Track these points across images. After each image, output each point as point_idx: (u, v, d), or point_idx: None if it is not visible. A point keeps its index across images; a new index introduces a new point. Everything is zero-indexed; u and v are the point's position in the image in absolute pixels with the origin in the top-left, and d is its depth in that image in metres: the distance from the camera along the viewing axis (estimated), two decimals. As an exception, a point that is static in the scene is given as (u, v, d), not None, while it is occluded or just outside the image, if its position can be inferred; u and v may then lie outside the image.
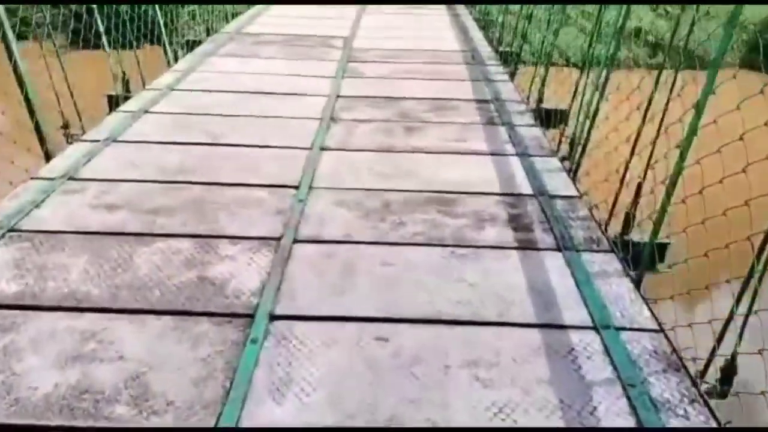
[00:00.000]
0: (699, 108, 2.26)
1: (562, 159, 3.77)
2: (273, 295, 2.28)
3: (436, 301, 2.29)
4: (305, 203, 3.00)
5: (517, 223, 2.88)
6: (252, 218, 2.85)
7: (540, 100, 4.66)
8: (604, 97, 3.28)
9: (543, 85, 4.47)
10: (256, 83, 4.89)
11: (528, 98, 4.82)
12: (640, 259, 2.70)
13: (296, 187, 3.16)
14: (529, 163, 3.54)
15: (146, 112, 4.18)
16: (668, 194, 2.36)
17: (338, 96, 4.67)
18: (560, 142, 3.94)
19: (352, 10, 8.48)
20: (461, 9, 8.94)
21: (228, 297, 2.29)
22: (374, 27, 7.39)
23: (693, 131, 2.27)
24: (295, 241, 2.67)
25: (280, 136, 3.85)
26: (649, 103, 2.80)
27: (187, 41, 6.63)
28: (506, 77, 5.32)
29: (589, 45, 3.73)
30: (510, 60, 5.99)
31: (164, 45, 5.41)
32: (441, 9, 8.87)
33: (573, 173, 3.45)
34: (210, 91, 4.68)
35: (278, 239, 2.68)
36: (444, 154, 3.67)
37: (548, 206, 3.02)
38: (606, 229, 2.98)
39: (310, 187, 3.17)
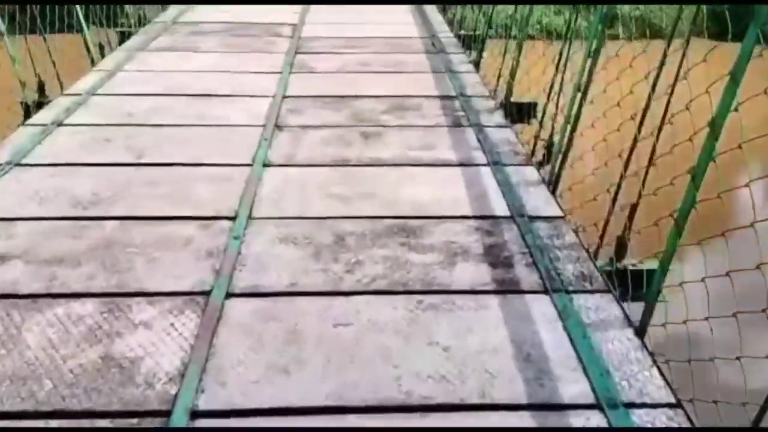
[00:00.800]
0: (715, 126, 1.84)
1: (539, 164, 3.35)
2: (196, 380, 1.80)
3: (404, 378, 1.83)
4: (242, 241, 2.50)
5: (494, 256, 2.44)
6: (176, 265, 2.35)
7: (509, 92, 4.23)
8: (587, 100, 2.85)
9: (512, 78, 4.02)
10: (192, 83, 4.33)
11: (495, 90, 4.37)
12: (638, 294, 2.31)
13: (232, 219, 2.66)
14: (503, 174, 3.09)
15: (60, 124, 3.60)
16: (679, 230, 1.94)
17: (285, 96, 4.14)
18: (535, 144, 3.51)
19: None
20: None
21: (138, 385, 1.79)
22: (326, 11, 6.82)
23: (708, 155, 1.85)
24: (229, 295, 2.18)
25: (217, 149, 3.33)
26: (647, 107, 2.38)
27: (119, 32, 6.00)
28: (471, 67, 4.85)
29: (566, 32, 3.28)
30: (474, 47, 5.54)
31: (85, 39, 4.77)
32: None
33: (553, 186, 3.02)
34: (138, 95, 4.11)
35: (207, 294, 2.18)
36: (407, 166, 3.20)
37: (529, 232, 2.59)
38: (596, 255, 2.58)
39: (249, 218, 2.67)
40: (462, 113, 3.91)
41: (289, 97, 4.15)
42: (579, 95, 2.88)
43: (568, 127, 2.94)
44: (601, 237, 2.59)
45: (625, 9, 13.38)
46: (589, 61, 2.83)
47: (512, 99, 4.14)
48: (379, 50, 5.27)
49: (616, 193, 2.53)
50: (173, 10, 6.66)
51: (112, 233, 2.54)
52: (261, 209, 2.75)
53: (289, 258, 2.41)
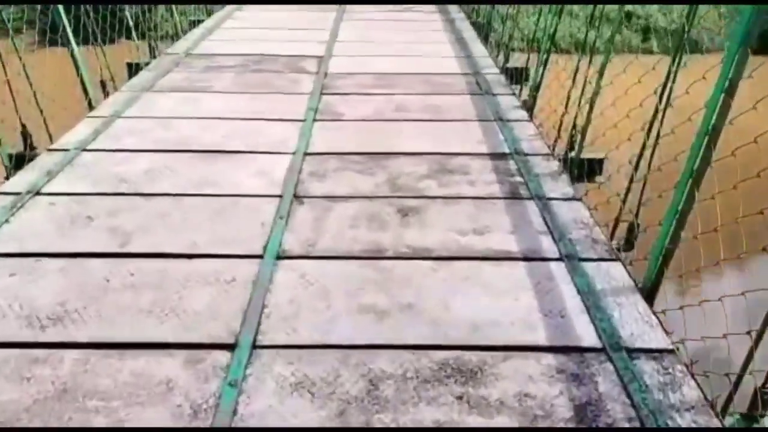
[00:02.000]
0: None
1: (623, 248, 2.67)
2: None
3: None
4: (241, 389, 1.85)
5: (589, 424, 1.75)
6: (148, 436, 1.70)
7: (573, 146, 3.57)
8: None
9: (582, 134, 3.33)
10: (199, 135, 3.72)
11: (555, 144, 3.69)
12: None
13: (231, 348, 2.01)
14: (582, 277, 2.40)
15: (37, 193, 3.00)
16: None
17: (307, 153, 3.51)
18: (616, 226, 2.82)
19: (328, 17, 7.28)
20: (454, 11, 7.76)
21: None
22: (355, 41, 6.20)
23: None
24: (216, 495, 1.53)
25: (220, 232, 2.70)
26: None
27: (128, 64, 5.45)
28: (523, 114, 4.16)
29: (663, 91, 2.59)
30: (524, 83, 4.89)
31: (82, 79, 4.19)
32: (432, 13, 7.68)
33: (647, 293, 2.32)
34: (134, 151, 3.50)
35: (186, 492, 1.53)
36: (456, 260, 2.52)
37: (632, 380, 1.89)
38: (725, 409, 1.87)
39: (253, 347, 2.02)
40: (519, 179, 3.23)
41: (312, 154, 3.50)
42: (690, 182, 2.18)
43: (674, 223, 2.24)
44: (736, 387, 1.88)
45: (661, 22, 12.58)
46: (706, 140, 2.12)
47: (575, 154, 3.48)
48: (415, 90, 4.62)
49: (759, 337, 1.82)
50: (188, 37, 6.11)
51: (70, 373, 1.90)
52: (269, 331, 2.10)
53: (304, 421, 1.75)
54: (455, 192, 3.08)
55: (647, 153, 2.67)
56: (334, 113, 4.14)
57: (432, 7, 7.92)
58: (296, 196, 3.02)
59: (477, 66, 5.28)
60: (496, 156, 3.51)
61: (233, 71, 5.05)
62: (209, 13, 7.43)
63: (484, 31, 6.37)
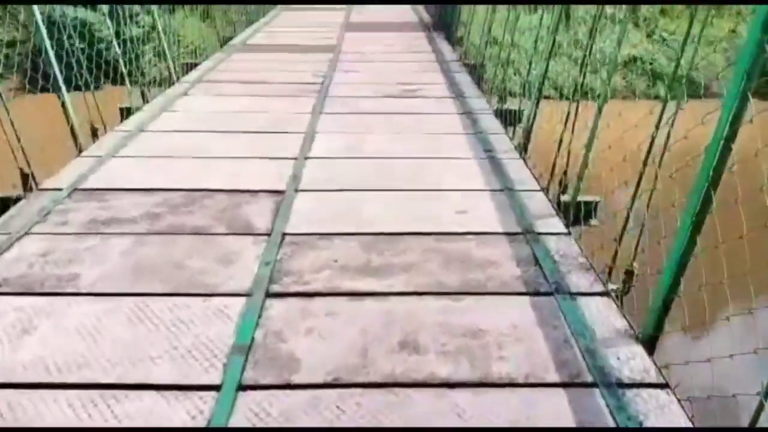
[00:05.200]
0: None
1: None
2: None
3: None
4: None
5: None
6: None
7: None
8: None
9: None
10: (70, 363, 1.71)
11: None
12: None
13: None
14: None
15: None
16: None
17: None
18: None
19: (306, 107, 5.33)
20: (474, 99, 5.87)
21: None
22: (337, 155, 4.18)
23: None
24: None
25: None
26: None
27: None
28: (611, 310, 2.19)
29: None
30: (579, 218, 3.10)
31: None
32: (444, 100, 5.73)
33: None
34: None
35: None
36: None
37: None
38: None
39: None
40: None
41: None
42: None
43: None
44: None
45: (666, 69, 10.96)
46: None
47: None
48: (431, 282, 2.61)
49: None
50: (77, 165, 4.16)
51: None
52: None
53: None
54: None
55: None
56: (281, 370, 2.09)
57: (446, 93, 5.99)
58: None
59: (506, 175, 3.29)
60: None
61: (130, 233, 3.05)
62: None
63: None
